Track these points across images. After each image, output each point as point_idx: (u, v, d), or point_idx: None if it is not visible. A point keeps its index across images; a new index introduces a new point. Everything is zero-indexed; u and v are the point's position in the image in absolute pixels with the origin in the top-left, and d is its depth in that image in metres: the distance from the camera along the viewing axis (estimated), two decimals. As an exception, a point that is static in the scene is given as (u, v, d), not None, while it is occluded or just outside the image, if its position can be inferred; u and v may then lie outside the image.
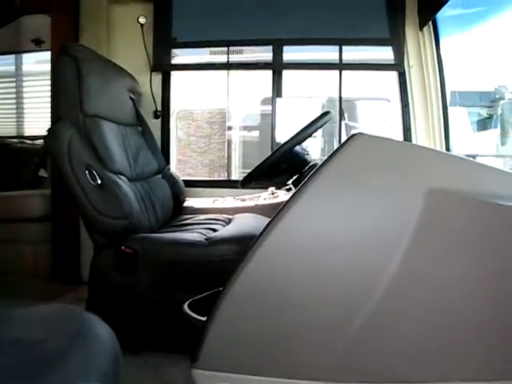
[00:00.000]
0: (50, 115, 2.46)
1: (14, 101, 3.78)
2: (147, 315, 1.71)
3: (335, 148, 0.95)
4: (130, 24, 2.51)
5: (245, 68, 2.61)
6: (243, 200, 2.47)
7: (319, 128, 1.67)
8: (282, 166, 1.66)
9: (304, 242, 0.92)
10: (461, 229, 0.88)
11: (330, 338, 0.90)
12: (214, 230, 1.96)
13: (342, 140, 2.54)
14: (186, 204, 2.41)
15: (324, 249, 0.91)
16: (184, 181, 2.61)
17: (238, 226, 1.97)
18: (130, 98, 2.20)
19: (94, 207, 1.70)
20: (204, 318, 1.06)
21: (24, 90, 3.75)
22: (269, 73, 2.59)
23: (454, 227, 0.88)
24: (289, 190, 1.77)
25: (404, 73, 2.40)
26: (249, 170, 1.58)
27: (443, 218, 0.88)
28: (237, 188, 2.56)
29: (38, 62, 3.63)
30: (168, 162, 2.62)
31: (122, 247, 1.69)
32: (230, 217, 2.26)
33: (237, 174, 4.27)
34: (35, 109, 3.62)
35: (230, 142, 3.16)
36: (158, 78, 2.60)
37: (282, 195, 2.37)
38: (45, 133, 1.79)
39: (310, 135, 1.65)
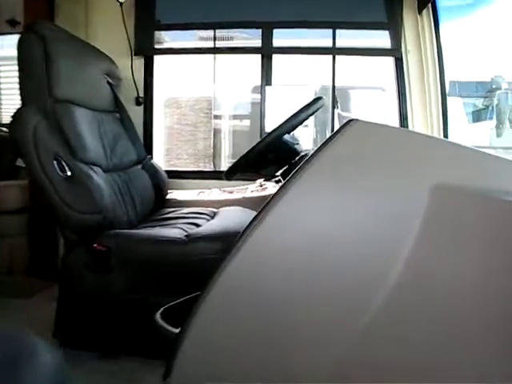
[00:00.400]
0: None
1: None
2: (122, 318, 1.59)
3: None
4: (109, 3, 2.33)
5: (232, 52, 2.46)
6: (230, 192, 2.34)
7: (310, 115, 1.55)
8: (270, 155, 1.54)
9: (296, 238, 0.83)
10: (469, 226, 0.79)
11: (330, 339, 0.81)
12: (198, 225, 1.82)
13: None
14: (169, 196, 2.27)
15: (319, 244, 0.82)
16: (168, 171, 2.47)
17: (222, 220, 1.84)
18: (108, 82, 2.04)
19: (63, 201, 1.56)
20: (177, 330, 0.95)
21: (0, 75, 3.56)
22: (258, 58, 2.44)
23: (462, 224, 0.79)
24: (278, 182, 1.65)
25: (401, 58, 2.26)
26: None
27: (450, 215, 0.79)
28: (223, 179, 2.42)
29: (14, 46, 3.44)
30: (150, 151, 2.48)
31: (94, 245, 1.56)
32: (216, 210, 2.12)
33: (226, 165, 4.14)
34: (12, 95, 3.44)
35: (216, 132, 3.00)
36: (140, 63, 2.44)
37: (271, 187, 2.24)
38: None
39: (301, 123, 1.52)
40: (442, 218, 0.79)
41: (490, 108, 4.44)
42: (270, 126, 2.53)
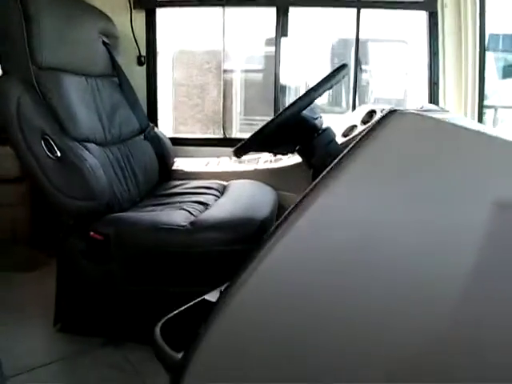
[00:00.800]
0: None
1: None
2: (125, 307, 1.48)
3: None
4: None
5: (243, 4, 2.19)
6: (240, 162, 2.15)
7: (333, 85, 1.35)
8: (286, 132, 1.35)
9: (342, 236, 0.70)
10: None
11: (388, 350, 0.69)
12: (205, 205, 1.66)
13: (358, 90, 2.18)
14: (175, 167, 2.10)
15: (365, 249, 0.69)
16: (174, 139, 2.28)
17: (231, 200, 1.67)
18: (103, 42, 1.80)
19: (54, 185, 1.40)
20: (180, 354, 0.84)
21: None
22: (272, 11, 2.17)
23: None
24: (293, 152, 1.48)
25: (436, 13, 1.98)
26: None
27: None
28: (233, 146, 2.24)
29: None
30: (155, 118, 2.27)
31: (91, 232, 1.41)
32: (225, 183, 1.95)
33: (237, 126, 3.92)
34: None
35: (226, 93, 2.76)
36: (140, 17, 2.19)
37: (286, 158, 2.05)
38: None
39: (321, 94, 1.33)
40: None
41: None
42: (286, 81, 2.31)
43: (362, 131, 0.70)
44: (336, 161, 0.69)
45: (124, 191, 1.68)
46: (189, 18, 2.67)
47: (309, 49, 4.21)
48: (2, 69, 1.44)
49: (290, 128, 1.36)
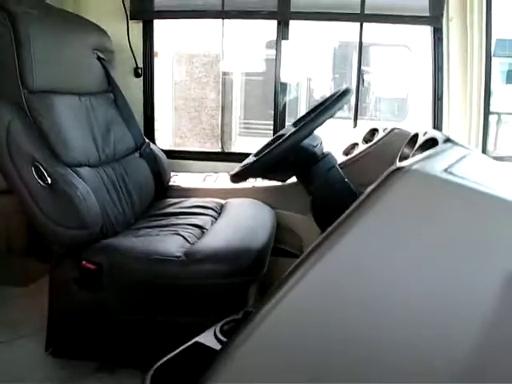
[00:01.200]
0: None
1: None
2: (118, 335, 1.45)
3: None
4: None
5: (243, 17, 2.12)
6: (239, 179, 2.10)
7: (337, 111, 1.31)
8: (285, 160, 1.32)
9: (341, 297, 0.65)
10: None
11: None
12: (201, 228, 1.62)
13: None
14: (171, 182, 2.05)
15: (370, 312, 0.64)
16: (171, 151, 2.23)
17: (228, 225, 1.62)
18: (98, 57, 1.75)
19: (45, 214, 1.35)
20: None
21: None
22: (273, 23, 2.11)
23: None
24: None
25: (441, 28, 1.92)
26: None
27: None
28: (233, 161, 2.19)
29: None
30: (152, 130, 2.22)
31: (83, 262, 1.37)
32: (223, 202, 1.91)
33: (237, 129, 3.88)
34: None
35: (224, 106, 2.71)
36: (137, 28, 2.13)
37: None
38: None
39: (322, 123, 1.28)
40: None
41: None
42: (287, 85, 2.25)
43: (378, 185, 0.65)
44: (341, 218, 0.65)
45: (118, 214, 1.63)
46: (187, 25, 2.61)
47: (310, 51, 4.17)
48: None
49: (289, 156, 1.32)
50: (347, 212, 0.64)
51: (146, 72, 2.17)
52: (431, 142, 1.41)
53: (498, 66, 3.94)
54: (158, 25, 2.20)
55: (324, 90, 4.65)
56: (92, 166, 1.57)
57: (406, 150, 1.56)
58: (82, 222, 1.36)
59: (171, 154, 2.19)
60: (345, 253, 0.63)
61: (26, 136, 1.35)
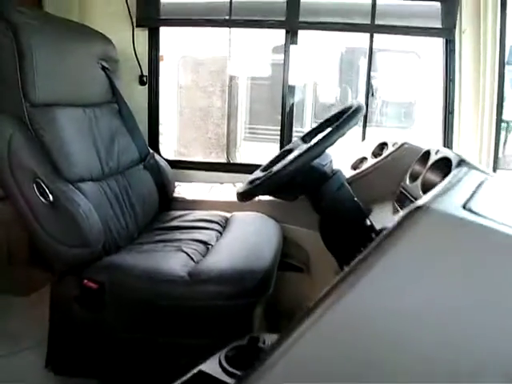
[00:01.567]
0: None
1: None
2: (119, 353, 1.41)
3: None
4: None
5: (251, 26, 2.08)
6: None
7: (349, 130, 1.27)
8: (294, 179, 1.28)
9: (361, 339, 0.62)
10: None
11: None
12: (205, 244, 1.58)
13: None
14: (176, 194, 2.01)
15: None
16: (175, 161, 2.20)
17: (233, 243, 1.58)
18: (103, 67, 1.71)
19: (46, 231, 1.32)
20: None
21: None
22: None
23: None
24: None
25: (453, 40, 1.87)
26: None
27: None
28: (238, 172, 2.16)
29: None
30: (156, 140, 2.18)
31: (85, 280, 1.33)
32: (228, 215, 1.87)
33: (242, 134, 3.84)
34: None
35: (230, 114, 2.67)
36: (143, 35, 2.09)
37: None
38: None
39: (333, 143, 1.25)
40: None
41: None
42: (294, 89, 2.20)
43: (395, 225, 0.63)
44: (361, 257, 0.62)
45: (121, 228, 1.60)
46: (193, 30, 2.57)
47: (317, 55, 4.12)
48: None
49: (298, 176, 1.29)
50: (367, 250, 0.62)
51: (151, 80, 2.14)
52: (444, 162, 1.37)
53: (507, 72, 3.89)
54: (164, 29, 2.17)
55: (330, 94, 4.61)
56: (95, 180, 1.53)
57: (417, 168, 1.51)
58: (84, 240, 1.32)
59: (175, 164, 2.15)
60: (367, 291, 0.61)
61: (28, 151, 1.32)
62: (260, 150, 3.71)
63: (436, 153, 1.41)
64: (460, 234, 0.63)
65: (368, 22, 1.92)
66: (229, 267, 1.36)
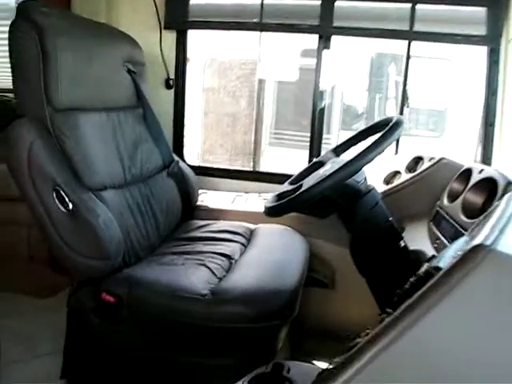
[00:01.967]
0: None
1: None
2: (137, 371, 1.36)
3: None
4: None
5: (282, 30, 2.00)
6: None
7: (388, 146, 1.19)
8: (326, 197, 1.20)
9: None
10: None
11: None
12: (229, 258, 1.51)
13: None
14: (199, 202, 1.95)
15: None
16: (200, 168, 2.14)
17: (259, 258, 1.51)
18: (129, 70, 1.66)
19: (65, 241, 1.27)
20: None
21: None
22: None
23: None
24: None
25: (498, 49, 1.76)
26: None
27: None
28: (265, 181, 2.08)
29: None
30: (181, 147, 2.13)
31: (103, 293, 1.28)
32: (253, 227, 1.80)
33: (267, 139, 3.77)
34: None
35: (258, 120, 2.59)
36: (171, 38, 2.04)
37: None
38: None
39: (371, 161, 1.16)
40: None
41: None
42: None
43: (452, 265, 0.58)
44: (418, 296, 0.59)
45: (142, 238, 1.55)
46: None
47: (346, 59, 4.02)
48: (17, 108, 1.31)
49: (331, 194, 1.21)
50: (425, 289, 0.59)
51: (177, 83, 2.08)
52: (487, 182, 1.27)
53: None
54: (192, 30, 2.11)
55: (358, 100, 4.51)
56: (117, 187, 1.48)
57: (456, 186, 1.42)
58: (103, 253, 1.27)
59: (200, 171, 2.09)
60: (428, 330, 0.58)
61: (49, 158, 1.27)
62: (285, 156, 3.64)
63: (480, 172, 1.32)
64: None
65: (406, 27, 1.81)
66: (253, 287, 1.29)
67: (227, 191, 2.07)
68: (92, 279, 1.34)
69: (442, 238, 1.29)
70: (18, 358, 1.61)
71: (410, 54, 1.87)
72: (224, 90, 3.09)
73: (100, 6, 1.81)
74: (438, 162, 1.59)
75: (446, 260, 0.66)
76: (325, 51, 1.96)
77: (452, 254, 0.67)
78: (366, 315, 1.43)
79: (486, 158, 1.83)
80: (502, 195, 1.18)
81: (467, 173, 1.39)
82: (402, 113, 1.91)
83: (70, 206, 1.25)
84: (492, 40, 1.74)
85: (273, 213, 1.27)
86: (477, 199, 1.27)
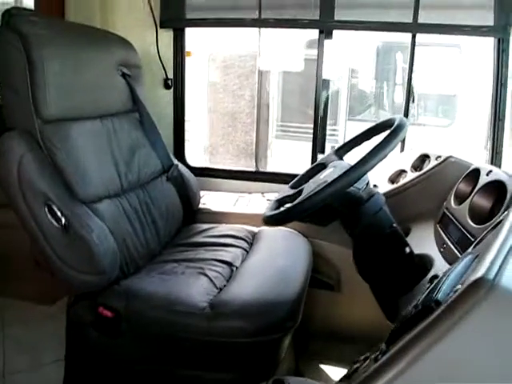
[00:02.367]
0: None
1: None
2: (133, 382, 1.33)
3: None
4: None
5: (282, 26, 1.94)
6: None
7: (391, 151, 1.14)
8: (327, 205, 1.16)
9: None
10: None
11: None
12: (230, 265, 1.48)
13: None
14: (201, 205, 1.91)
15: None
16: (201, 169, 2.10)
17: (261, 266, 1.47)
18: (123, 74, 1.61)
19: (58, 256, 1.24)
20: None
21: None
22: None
23: None
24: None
25: (507, 40, 1.68)
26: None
27: None
28: (267, 181, 2.04)
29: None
30: (181, 148, 2.09)
31: (100, 307, 1.26)
32: (256, 230, 1.76)
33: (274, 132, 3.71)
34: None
35: (260, 120, 2.53)
36: (168, 37, 1.98)
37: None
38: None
39: (373, 167, 1.11)
40: None
41: None
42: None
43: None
44: (419, 330, 0.56)
45: (141, 245, 1.52)
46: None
47: (353, 47, 3.93)
48: (6, 122, 1.28)
49: (332, 202, 1.16)
50: (426, 324, 0.56)
51: (176, 84, 2.03)
52: (495, 184, 1.21)
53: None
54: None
55: (365, 90, 4.42)
56: (112, 196, 1.45)
57: (463, 187, 1.36)
58: (98, 268, 1.24)
59: (202, 172, 2.06)
60: (429, 370, 0.55)
61: (39, 172, 1.23)
62: (292, 149, 3.58)
63: (487, 174, 1.26)
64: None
65: (410, 19, 1.74)
66: (253, 298, 1.25)
67: (230, 192, 2.03)
68: (89, 292, 1.32)
69: (449, 243, 1.24)
70: (22, 367, 1.61)
71: (416, 44, 1.80)
72: (226, 86, 3.04)
73: (94, 10, 1.76)
74: (444, 160, 1.53)
75: (445, 292, 0.62)
76: (327, 41, 1.90)
77: (453, 283, 0.63)
78: (372, 317, 1.41)
79: (496, 155, 1.77)
80: (511, 199, 1.13)
81: (475, 173, 1.33)
82: (407, 108, 1.84)
83: (63, 220, 1.22)
84: (500, 30, 1.66)
85: (271, 223, 1.23)
86: (485, 203, 1.21)
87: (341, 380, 0.74)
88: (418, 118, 4.18)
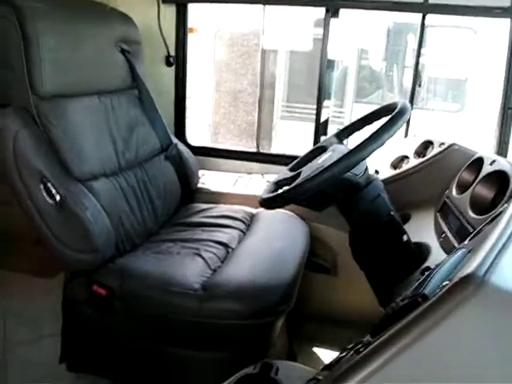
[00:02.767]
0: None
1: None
2: (130, 359, 1.35)
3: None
4: None
5: (287, 3, 1.88)
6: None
7: (391, 137, 1.11)
8: (324, 190, 1.14)
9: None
10: None
11: None
12: (226, 247, 1.47)
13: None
14: (200, 184, 1.90)
15: None
16: (202, 148, 2.08)
17: (257, 248, 1.46)
18: (122, 50, 1.57)
19: (53, 234, 1.24)
20: None
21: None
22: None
23: None
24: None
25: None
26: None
27: None
28: (268, 162, 2.02)
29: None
30: (182, 125, 2.06)
31: (94, 285, 1.26)
32: (254, 211, 1.75)
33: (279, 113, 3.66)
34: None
35: (262, 101, 2.49)
36: (170, 12, 1.94)
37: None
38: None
39: (372, 152, 1.09)
40: None
41: None
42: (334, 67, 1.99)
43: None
44: (402, 326, 0.54)
45: (138, 223, 1.51)
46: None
47: (362, 27, 3.84)
48: (1, 99, 1.26)
49: (328, 188, 1.14)
50: (409, 319, 0.54)
51: (178, 60, 1.99)
52: (498, 174, 1.19)
53: None
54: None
55: (374, 71, 4.33)
56: (109, 175, 1.44)
57: (465, 176, 1.33)
58: (92, 246, 1.24)
59: (202, 151, 2.04)
60: (411, 364, 0.54)
61: (35, 149, 1.22)
62: (298, 130, 3.54)
63: (491, 163, 1.23)
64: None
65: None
66: (247, 281, 1.25)
67: (231, 172, 2.02)
68: (85, 270, 1.32)
69: (448, 233, 1.22)
70: (22, 338, 1.63)
71: (428, 26, 1.74)
72: (230, 65, 2.98)
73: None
74: (448, 147, 1.49)
75: (433, 286, 0.60)
76: (333, 20, 1.85)
77: (442, 277, 0.61)
78: (367, 302, 1.40)
79: (502, 145, 1.73)
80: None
81: (479, 162, 1.30)
82: (413, 94, 1.80)
83: (58, 198, 1.21)
84: (514, 11, 1.60)
85: (266, 205, 1.21)
86: (486, 193, 1.19)
87: (322, 369, 0.73)
88: (427, 102, 4.11)
